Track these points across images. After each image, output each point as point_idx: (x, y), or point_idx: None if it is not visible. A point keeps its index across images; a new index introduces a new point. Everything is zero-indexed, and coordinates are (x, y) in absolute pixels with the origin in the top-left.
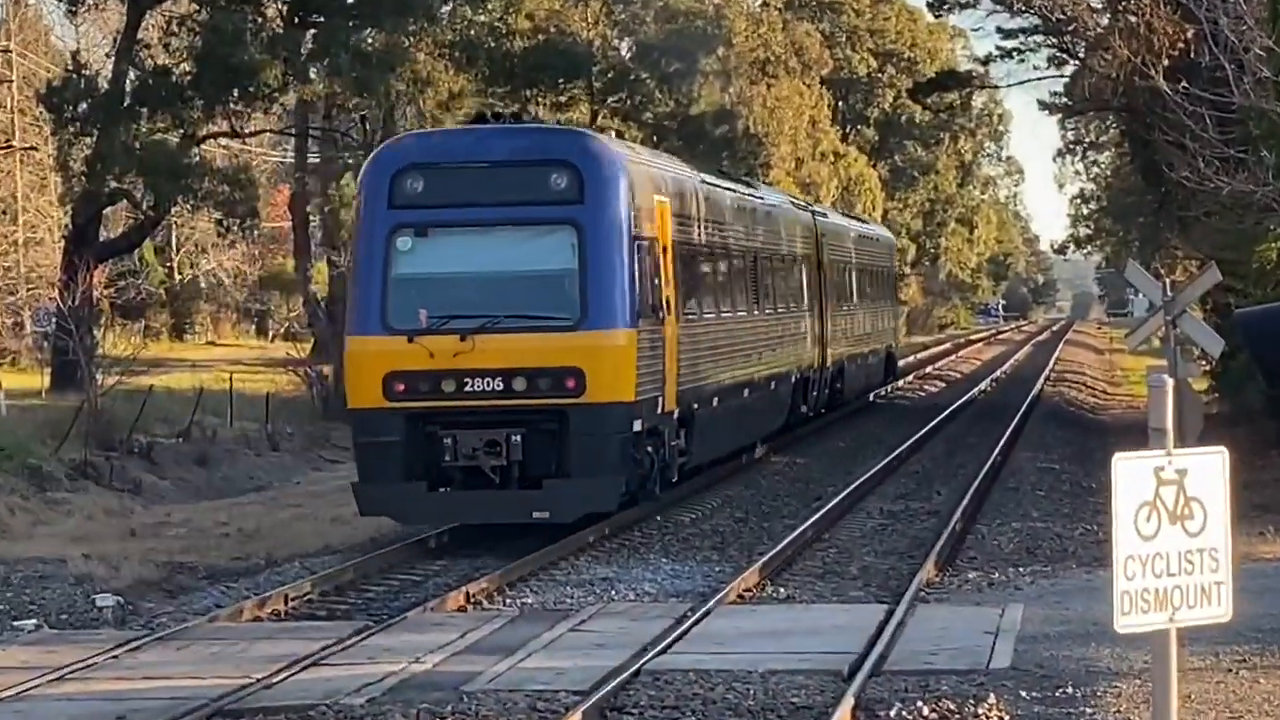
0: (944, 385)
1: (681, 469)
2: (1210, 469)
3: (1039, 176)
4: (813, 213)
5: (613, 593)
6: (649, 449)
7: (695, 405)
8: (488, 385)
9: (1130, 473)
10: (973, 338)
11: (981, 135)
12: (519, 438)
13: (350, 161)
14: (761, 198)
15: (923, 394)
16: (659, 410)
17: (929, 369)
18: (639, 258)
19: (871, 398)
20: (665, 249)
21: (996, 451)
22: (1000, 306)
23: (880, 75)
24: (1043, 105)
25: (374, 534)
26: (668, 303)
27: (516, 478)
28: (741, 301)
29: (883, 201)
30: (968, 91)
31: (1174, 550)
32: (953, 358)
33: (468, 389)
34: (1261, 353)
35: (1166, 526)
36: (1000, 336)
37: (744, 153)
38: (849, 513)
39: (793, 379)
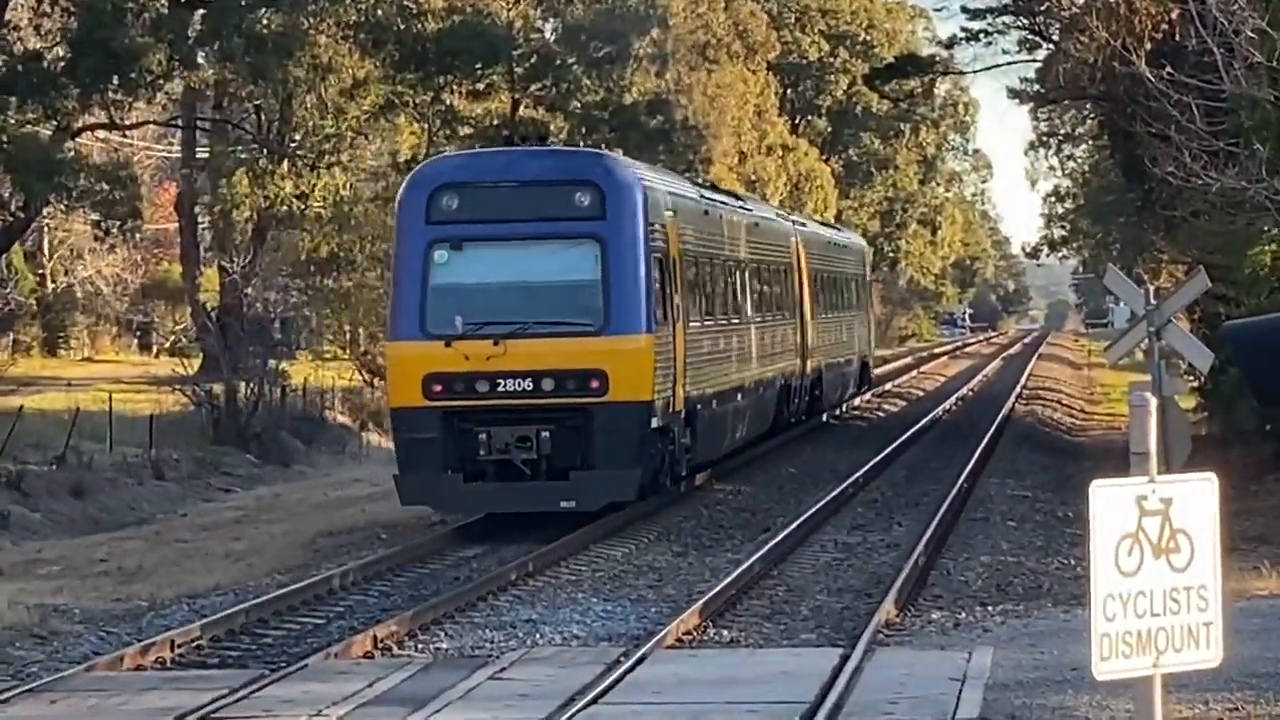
0: (905, 404)
1: (687, 465)
2: (1198, 497)
3: (1009, 172)
4: (793, 222)
5: (537, 636)
6: (662, 445)
7: (699, 406)
8: (518, 386)
9: (1110, 501)
10: (936, 351)
11: (945, 127)
12: (547, 433)
13: (244, 156)
14: (750, 210)
15: (881, 414)
16: (670, 410)
17: (889, 385)
18: (654, 269)
19: (839, 411)
20: (674, 261)
21: (963, 478)
22: (967, 316)
23: (833, 60)
24: (1013, 93)
25: (272, 571)
26: (677, 310)
27: (545, 470)
28: (736, 310)
29: (836, 200)
30: (930, 78)
31: (1158, 588)
32: (915, 373)
33: (500, 389)
34: (1253, 369)
35: (1150, 561)
36: (967, 349)
37: (682, 146)
38: (800, 546)
39: (778, 385)
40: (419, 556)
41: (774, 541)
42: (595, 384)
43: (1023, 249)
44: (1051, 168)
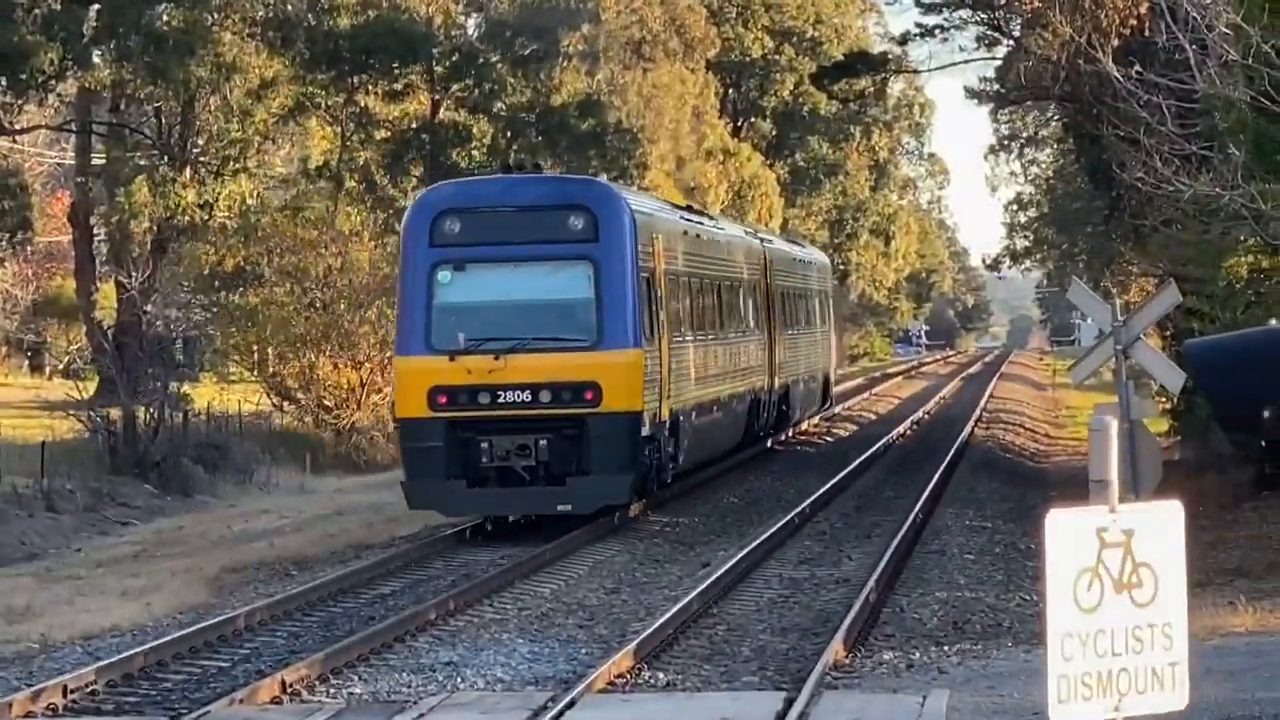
0: (856, 428)
1: (671, 472)
2: (1163, 527)
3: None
4: (761, 240)
5: (458, 680)
6: (650, 452)
7: (680, 418)
8: (518, 397)
9: (1067, 532)
10: (890, 371)
11: (899, 129)
12: (545, 442)
13: (143, 163)
14: (723, 229)
15: (830, 439)
16: (657, 419)
17: (839, 409)
18: (642, 288)
19: (790, 433)
20: (659, 280)
21: (918, 508)
22: (923, 333)
23: (778, 58)
24: (971, 93)
25: (173, 610)
26: (662, 327)
27: (544, 476)
28: (714, 327)
29: (781, 209)
30: (882, 77)
31: (1120, 625)
32: (867, 395)
33: (500, 400)
34: (1216, 393)
35: (1111, 597)
36: (923, 369)
37: (615, 150)
38: (742, 582)
39: (749, 399)
40: (331, 594)
41: (714, 577)
42: (590, 395)
43: (983, 261)
44: (1013, 173)
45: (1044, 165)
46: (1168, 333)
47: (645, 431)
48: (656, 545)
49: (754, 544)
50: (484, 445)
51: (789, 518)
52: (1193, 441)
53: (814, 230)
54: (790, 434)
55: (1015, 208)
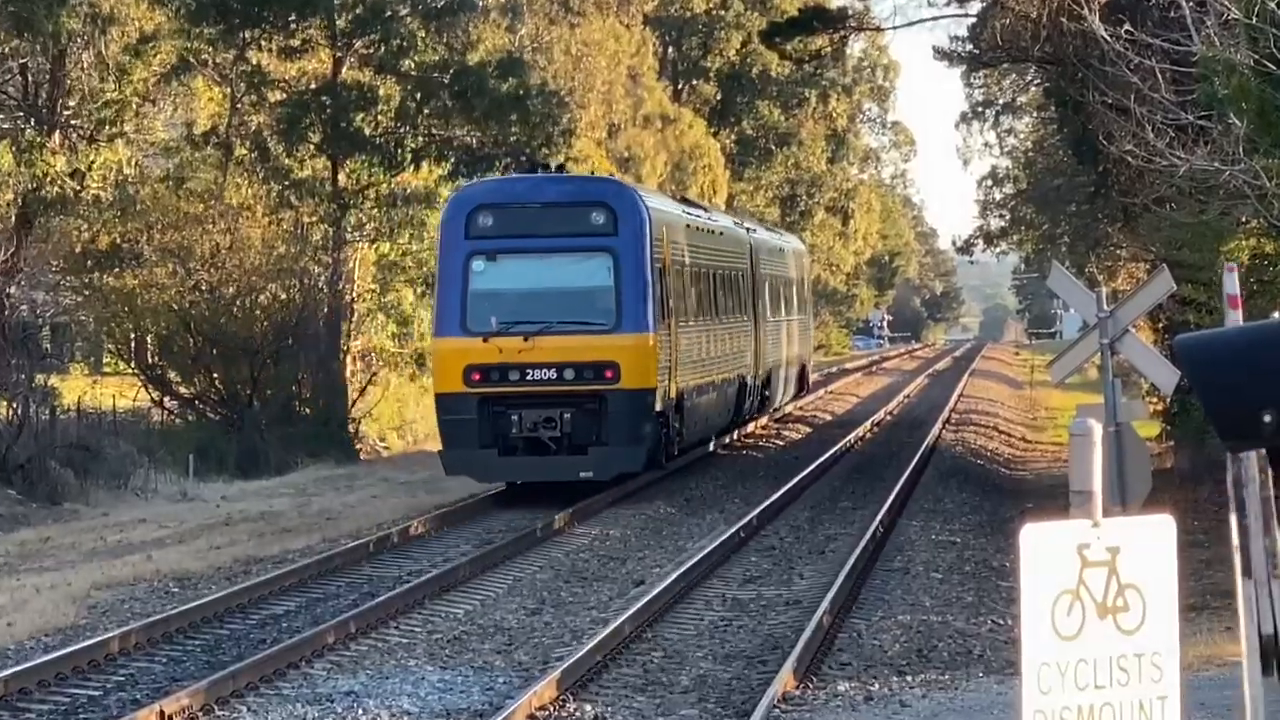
0: (809, 430)
1: (678, 446)
2: (1153, 543)
3: (937, 150)
4: (746, 230)
5: (359, 711)
6: (661, 426)
7: (684, 397)
8: (544, 375)
9: (1044, 549)
10: (848, 366)
11: (859, 94)
12: (569, 415)
13: (6, 127)
14: (715, 220)
15: (780, 442)
16: (667, 398)
17: (790, 408)
18: (655, 278)
19: (732, 438)
20: (668, 270)
21: (878, 520)
22: (885, 324)
23: (723, 13)
24: (941, 54)
25: (37, 632)
26: (670, 313)
27: (567, 446)
28: (711, 313)
29: (727, 182)
30: (841, 35)
31: (1103, 654)
32: (822, 393)
33: (529, 378)
34: (1210, 394)
35: (1094, 622)
36: (886, 364)
37: (539, 115)
38: (680, 602)
39: (737, 383)
40: (217, 614)
41: (649, 596)
42: (609, 374)
43: (953, 243)
44: (987, 145)
45: (1022, 136)
46: (1160, 325)
47: (658, 407)
48: (583, 560)
49: (694, 560)
50: (514, 418)
51: (733, 530)
52: (1187, 448)
53: (763, 207)
54: (769, 419)
55: (990, 183)
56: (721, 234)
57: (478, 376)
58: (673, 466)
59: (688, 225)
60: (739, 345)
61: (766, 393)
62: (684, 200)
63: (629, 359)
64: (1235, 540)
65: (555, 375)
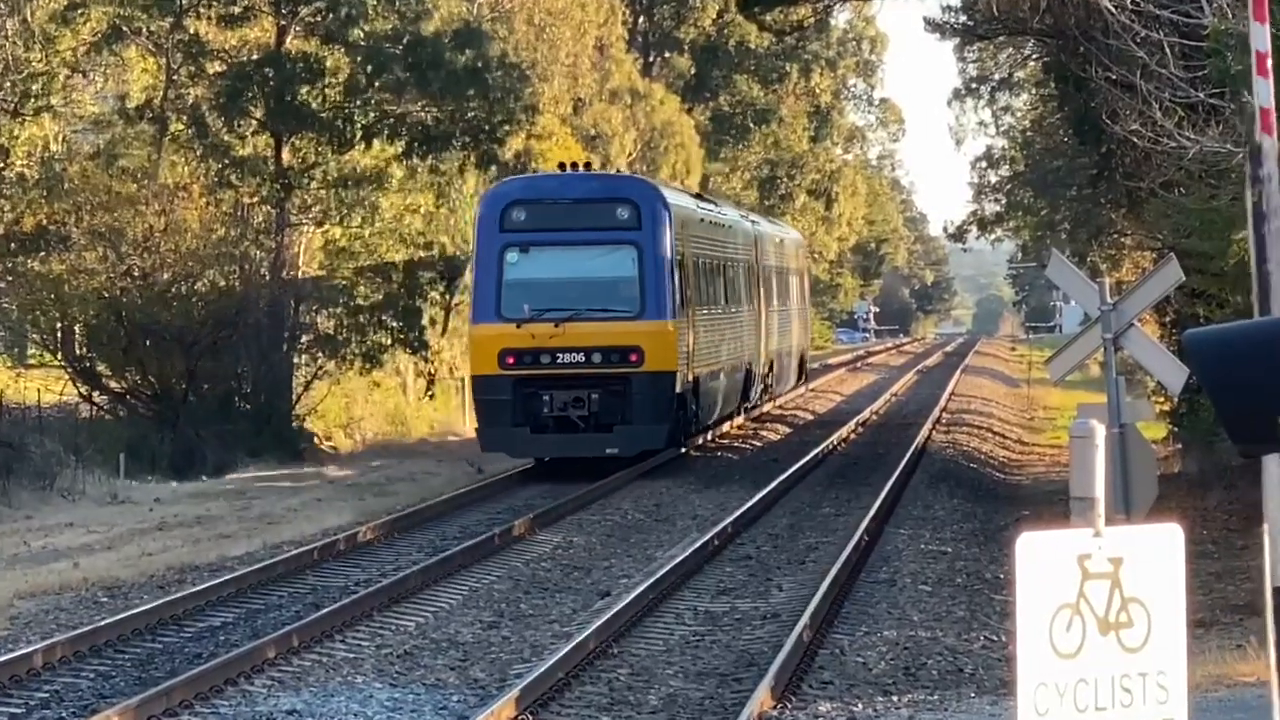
0: (789, 430)
1: (695, 427)
2: (1158, 554)
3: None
4: (751, 222)
5: None
6: (681, 407)
7: (701, 381)
8: (574, 359)
9: (1042, 560)
10: (831, 362)
11: (844, 68)
12: (596, 395)
13: None
14: (725, 213)
15: (758, 443)
16: (686, 381)
17: (768, 407)
18: (675, 269)
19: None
20: (686, 261)
21: (863, 528)
22: (871, 316)
23: None
24: (932, 25)
25: None
26: (689, 302)
27: (594, 424)
28: (723, 302)
29: (701, 162)
30: (825, 4)
31: (1105, 674)
32: (802, 390)
33: (559, 361)
34: (1222, 394)
35: (1095, 639)
36: (872, 360)
37: (500, 90)
38: (649, 615)
39: (745, 369)
40: (149, 626)
41: (615, 609)
42: (634, 357)
43: (945, 230)
44: (982, 124)
45: (1020, 114)
46: (1167, 319)
47: (678, 389)
48: (544, 569)
49: (664, 569)
50: (545, 398)
51: (707, 538)
52: (1195, 451)
53: (740, 189)
54: (772, 406)
55: (984, 165)
56: (730, 227)
57: (512, 360)
58: (691, 445)
59: (701, 219)
60: (747, 333)
61: (769, 380)
62: (697, 195)
63: (652, 344)
64: (1268, 551)
65: (584, 359)
